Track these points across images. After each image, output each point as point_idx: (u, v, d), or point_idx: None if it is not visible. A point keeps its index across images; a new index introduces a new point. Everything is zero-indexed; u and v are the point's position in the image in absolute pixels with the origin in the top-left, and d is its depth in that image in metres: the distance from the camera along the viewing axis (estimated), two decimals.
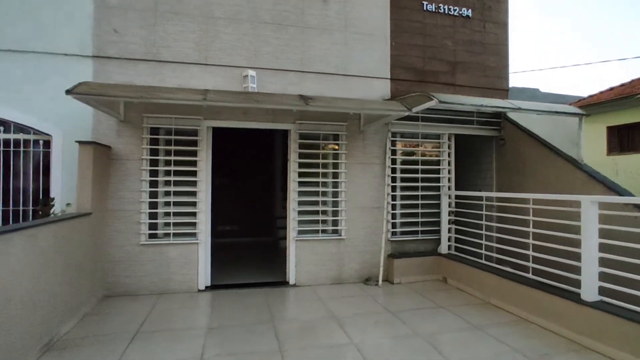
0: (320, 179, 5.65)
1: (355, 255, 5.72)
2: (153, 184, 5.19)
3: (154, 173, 5.19)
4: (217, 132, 5.59)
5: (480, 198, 5.85)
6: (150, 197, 5.13)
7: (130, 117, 5.06)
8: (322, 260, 5.59)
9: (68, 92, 3.52)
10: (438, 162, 6.22)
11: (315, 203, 5.68)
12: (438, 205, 6.08)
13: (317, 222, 5.66)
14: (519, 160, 5.95)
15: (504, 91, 6.43)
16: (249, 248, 8.70)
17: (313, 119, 5.57)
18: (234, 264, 6.74)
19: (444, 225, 5.90)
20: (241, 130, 7.27)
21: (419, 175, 6.04)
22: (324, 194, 5.77)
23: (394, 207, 5.95)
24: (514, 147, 6.07)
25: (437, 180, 6.15)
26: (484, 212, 5.22)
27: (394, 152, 5.99)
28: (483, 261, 5.12)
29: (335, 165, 5.77)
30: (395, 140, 6.04)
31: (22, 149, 4.93)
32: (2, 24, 4.85)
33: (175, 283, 5.11)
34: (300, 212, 5.59)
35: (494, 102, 4.97)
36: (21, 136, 4.91)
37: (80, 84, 3.69)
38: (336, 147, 5.78)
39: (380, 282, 5.50)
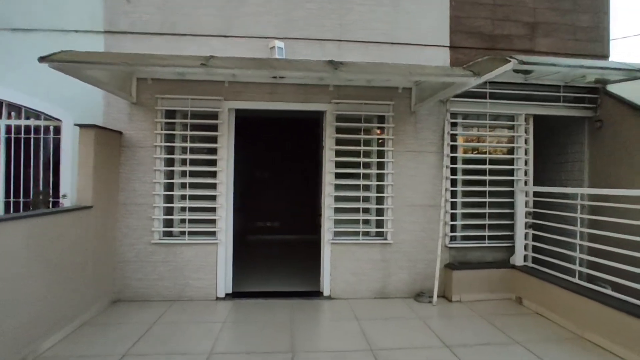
0: (362, 171, 4.67)
1: (405, 263, 4.68)
2: (168, 175, 4.56)
3: (169, 162, 4.56)
4: (256, 121, 4.82)
5: (568, 196, 4.54)
6: (165, 190, 4.50)
7: (143, 99, 4.45)
8: (363, 268, 4.63)
9: (42, 59, 2.91)
10: (511, 151, 4.96)
11: (356, 199, 4.71)
12: (510, 204, 4.84)
13: (357, 222, 4.69)
14: (623, 148, 4.52)
15: (602, 58, 4.98)
16: (288, 247, 7.95)
17: (352, 97, 4.61)
18: (266, 265, 5.99)
19: (519, 230, 4.66)
20: (278, 117, 6.50)
21: (487, 167, 4.83)
22: (366, 188, 4.79)
23: (453, 205, 4.81)
24: (617, 131, 4.64)
25: (510, 172, 4.90)
26: (578, 215, 3.93)
27: (453, 138, 4.84)
28: (576, 280, 3.86)
29: (381, 154, 4.75)
30: (456, 123, 4.89)
31: (32, 135, 4.52)
32: (9, 2, 4.45)
33: (191, 289, 4.44)
34: (336, 210, 4.66)
35: (601, 64, 3.65)
36: (31, 122, 4.49)
37: (60, 52, 3.08)
38: (381, 131, 4.77)
39: (434, 299, 4.41)
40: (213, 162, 4.52)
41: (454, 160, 4.83)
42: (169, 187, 4.56)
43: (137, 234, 4.42)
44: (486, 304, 4.39)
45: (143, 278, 4.41)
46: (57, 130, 4.52)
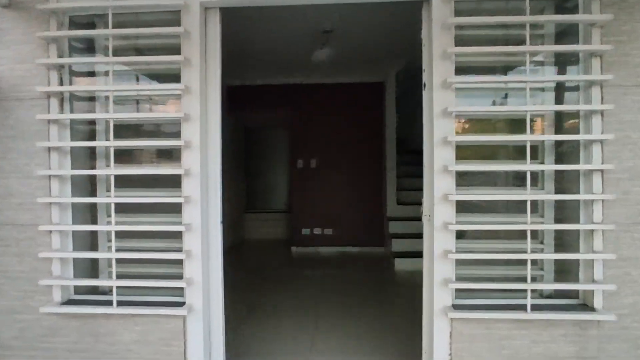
0: (526, 137, 1.87)
1: None
2: (82, 159, 2.13)
3: (82, 132, 2.12)
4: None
5: None
6: (77, 192, 2.08)
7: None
8: None
9: None
10: None
11: (508, 210, 1.97)
12: None
13: (513, 264, 1.95)
14: None
15: None
16: (345, 265, 5.35)
17: None
18: (302, 314, 3.38)
19: None
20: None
21: None
22: (534, 181, 2.01)
23: None
24: None
25: None
26: None
27: None
28: None
29: (566, 96, 1.96)
30: None
31: None
32: None
33: None
34: (461, 237, 1.94)
35: None
36: None
37: None
38: (565, 39, 1.96)
39: None
40: (173, 128, 2.01)
41: None
42: (91, 187, 2.13)
43: (21, 291, 2.04)
44: None
45: None
46: None
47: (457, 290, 1.94)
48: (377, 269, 5.09)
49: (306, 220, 6.51)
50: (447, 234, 1.90)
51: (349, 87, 6.18)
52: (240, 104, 6.37)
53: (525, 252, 1.86)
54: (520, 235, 2.00)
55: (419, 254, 4.96)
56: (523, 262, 1.90)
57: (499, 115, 1.97)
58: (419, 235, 5.09)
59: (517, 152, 2.12)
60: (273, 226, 7.47)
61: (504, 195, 1.91)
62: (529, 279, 1.81)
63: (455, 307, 1.90)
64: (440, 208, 1.91)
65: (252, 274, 4.82)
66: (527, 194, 1.81)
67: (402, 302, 3.68)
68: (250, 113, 6.65)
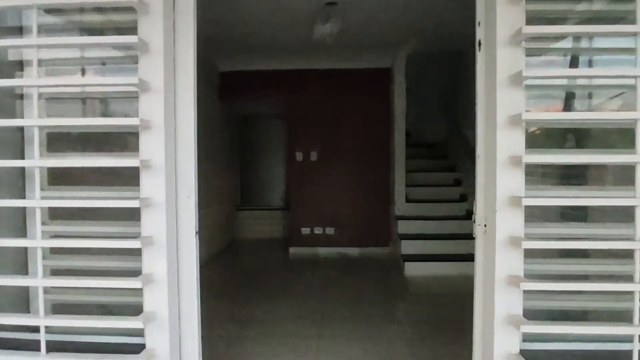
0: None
1: None
2: (8, 144, 1.55)
3: (7, 110, 1.54)
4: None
5: None
6: (2, 191, 1.51)
7: None
8: None
9: None
10: None
11: (575, 217, 1.42)
12: None
13: (588, 292, 1.40)
14: None
15: None
16: (351, 272, 4.85)
17: None
18: (304, 348, 2.82)
19: None
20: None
21: None
22: (621, 179, 1.45)
23: None
24: None
25: None
26: None
27: None
28: None
29: None
30: None
31: None
32: None
33: None
34: (528, 254, 1.38)
35: None
36: None
37: None
38: None
39: None
40: (130, 107, 1.44)
41: None
42: (19, 184, 1.56)
43: None
44: None
45: None
46: None
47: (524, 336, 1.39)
48: (387, 275, 4.58)
49: (306, 219, 5.98)
50: (514, 253, 1.33)
51: (353, 73, 5.64)
52: (234, 92, 5.81)
53: (621, 278, 1.33)
54: (596, 252, 1.48)
55: (431, 258, 4.43)
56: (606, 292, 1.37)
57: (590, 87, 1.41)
58: (431, 237, 4.52)
59: (584, 140, 1.59)
60: (269, 224, 6.93)
61: (602, 199, 1.35)
62: (636, 319, 1.26)
63: (524, 354, 1.35)
64: (504, 216, 1.34)
65: (242, 286, 4.26)
66: (637, 198, 1.25)
67: (426, 327, 3.12)
68: (245, 101, 6.07)
